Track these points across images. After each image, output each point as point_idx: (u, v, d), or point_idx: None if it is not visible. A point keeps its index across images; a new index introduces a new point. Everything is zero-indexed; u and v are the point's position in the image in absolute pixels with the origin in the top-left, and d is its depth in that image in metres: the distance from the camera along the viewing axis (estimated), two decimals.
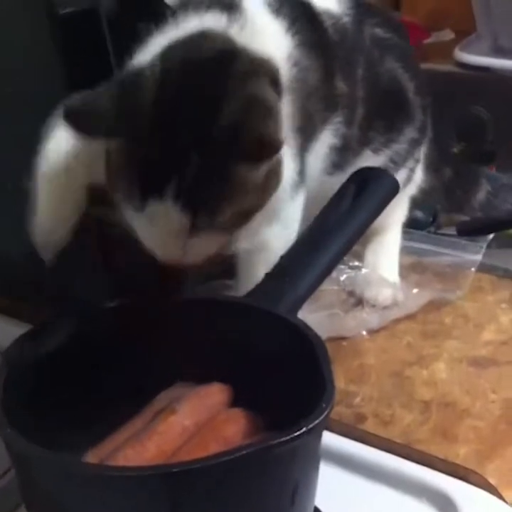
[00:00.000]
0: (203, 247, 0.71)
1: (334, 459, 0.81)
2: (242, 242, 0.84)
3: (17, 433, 0.60)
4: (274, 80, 0.76)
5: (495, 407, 0.86)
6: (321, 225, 0.80)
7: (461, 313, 1.02)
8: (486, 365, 0.93)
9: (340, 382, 0.90)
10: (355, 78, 0.93)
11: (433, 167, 1.12)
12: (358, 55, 0.94)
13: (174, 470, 0.57)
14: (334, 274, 1.00)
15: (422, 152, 1.07)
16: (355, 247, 0.97)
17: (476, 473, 0.78)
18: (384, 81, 0.97)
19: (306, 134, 0.85)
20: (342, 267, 1.02)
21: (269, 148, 0.68)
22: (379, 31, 0.98)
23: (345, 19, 0.93)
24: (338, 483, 0.79)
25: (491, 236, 1.19)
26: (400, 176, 1.00)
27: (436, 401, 0.88)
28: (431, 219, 1.30)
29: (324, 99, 0.87)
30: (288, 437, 0.57)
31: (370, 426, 0.85)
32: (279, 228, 0.86)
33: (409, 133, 1.01)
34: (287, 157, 0.80)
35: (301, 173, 0.86)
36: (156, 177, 0.68)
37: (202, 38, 0.74)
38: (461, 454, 0.80)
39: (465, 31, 1.76)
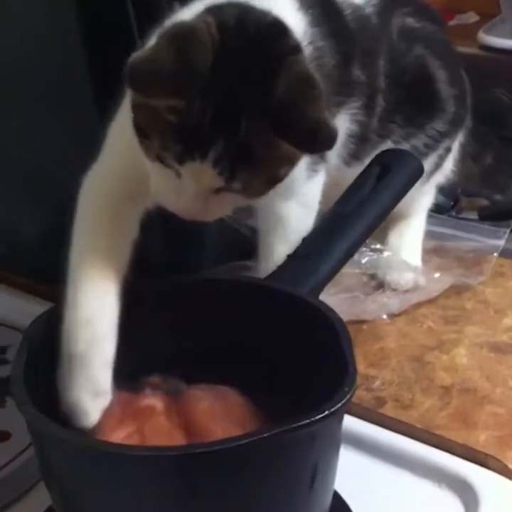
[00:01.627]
0: (222, 208, 0.71)
1: (353, 443, 0.81)
2: (261, 216, 0.85)
3: (40, 413, 0.60)
4: None
5: None
6: (343, 207, 0.80)
7: (482, 299, 1.01)
8: (506, 351, 0.92)
9: (360, 366, 0.89)
10: (376, 69, 0.92)
11: (472, 155, 1.10)
12: (379, 46, 0.92)
13: (194, 451, 0.58)
14: (355, 256, 0.99)
15: (456, 142, 1.06)
16: (377, 230, 0.96)
17: (495, 458, 0.78)
18: (410, 73, 0.95)
19: None
20: (363, 249, 1.01)
21: (328, 139, 0.67)
22: (410, 21, 0.97)
23: (369, 10, 0.92)
24: (356, 466, 0.79)
25: None
26: (427, 163, 0.99)
27: (456, 386, 0.87)
28: (452, 203, 1.29)
29: (338, 85, 0.86)
30: (309, 420, 0.57)
31: (389, 410, 0.85)
32: (296, 205, 0.85)
33: (437, 125, 0.99)
34: None
35: None
36: (203, 137, 0.66)
37: (244, 6, 0.71)
38: (480, 439, 0.80)
39: (489, 14, 1.75)
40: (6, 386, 0.63)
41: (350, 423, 0.82)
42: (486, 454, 0.78)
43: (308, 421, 0.57)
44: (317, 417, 0.57)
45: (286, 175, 0.71)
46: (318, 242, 0.77)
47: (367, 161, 0.89)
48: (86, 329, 0.69)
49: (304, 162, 0.80)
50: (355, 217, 0.79)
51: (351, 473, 0.75)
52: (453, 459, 0.79)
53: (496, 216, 1.23)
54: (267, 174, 0.69)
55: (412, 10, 0.98)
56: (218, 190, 0.68)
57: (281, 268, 0.76)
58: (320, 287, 0.74)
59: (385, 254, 1.01)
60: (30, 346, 0.66)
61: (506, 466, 0.77)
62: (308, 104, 0.67)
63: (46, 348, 0.67)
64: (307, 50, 0.77)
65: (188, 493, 0.58)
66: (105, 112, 0.76)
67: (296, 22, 0.77)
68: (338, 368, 0.62)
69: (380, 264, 1.01)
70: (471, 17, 1.84)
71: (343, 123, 0.89)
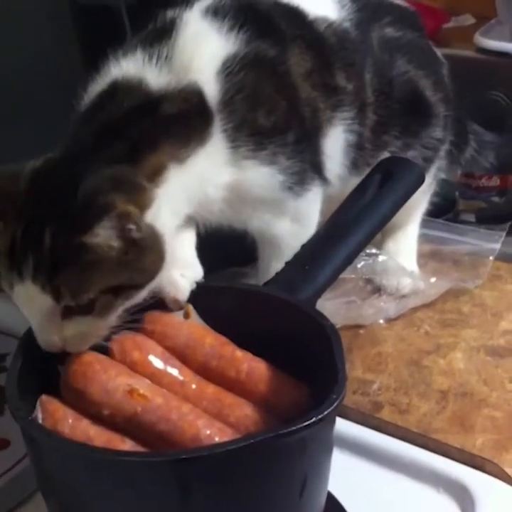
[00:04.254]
0: (80, 334, 0.67)
1: (350, 447, 0.81)
2: (255, 227, 0.85)
3: (35, 421, 0.60)
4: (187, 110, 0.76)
5: None
6: (344, 214, 0.80)
7: (479, 302, 1.02)
8: (503, 354, 0.93)
9: (357, 370, 0.91)
10: (362, 81, 0.92)
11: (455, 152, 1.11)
12: (362, 58, 0.93)
13: (182, 457, 0.58)
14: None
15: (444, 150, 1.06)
16: None
17: (492, 462, 0.78)
18: (397, 86, 0.96)
19: (305, 128, 0.85)
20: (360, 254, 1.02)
21: (99, 207, 0.64)
22: (390, 31, 0.97)
23: (346, 24, 0.92)
24: (354, 471, 0.79)
25: (510, 223, 1.19)
26: (428, 176, 1.00)
27: (453, 390, 0.88)
28: (449, 206, 1.30)
29: (320, 87, 0.87)
30: (297, 427, 0.58)
31: (386, 414, 0.85)
32: (290, 223, 0.86)
33: (433, 133, 1.00)
34: (257, 170, 0.80)
35: (314, 167, 0.86)
36: (16, 257, 0.66)
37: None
38: (477, 443, 0.80)
39: (485, 16, 1.75)
40: (5, 394, 0.64)
41: (348, 428, 0.83)
42: (483, 458, 0.79)
43: (295, 428, 0.58)
44: (304, 424, 0.58)
45: (126, 280, 0.67)
46: (316, 249, 0.78)
47: (366, 170, 0.89)
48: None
49: (276, 182, 0.81)
50: (355, 225, 0.79)
51: (348, 477, 0.75)
52: (450, 462, 0.79)
53: (494, 218, 1.24)
54: (97, 280, 0.65)
55: (392, 19, 0.98)
56: (65, 315, 0.66)
57: (279, 275, 0.76)
58: (318, 294, 0.75)
59: (381, 258, 1.02)
60: (25, 353, 0.66)
61: (503, 469, 0.77)
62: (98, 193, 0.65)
63: (42, 355, 0.67)
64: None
65: (179, 497, 0.59)
66: None
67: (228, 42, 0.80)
68: (330, 375, 0.63)
69: (376, 268, 1.01)
70: (468, 19, 1.84)
71: (341, 133, 0.90)
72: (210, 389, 0.67)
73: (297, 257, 0.77)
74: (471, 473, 0.78)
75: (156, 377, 0.66)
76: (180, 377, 0.67)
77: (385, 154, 0.96)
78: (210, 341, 0.69)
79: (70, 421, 0.63)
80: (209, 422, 0.63)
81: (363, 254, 1.01)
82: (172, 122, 0.75)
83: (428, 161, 1.01)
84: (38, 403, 0.64)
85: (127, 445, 0.62)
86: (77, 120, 0.76)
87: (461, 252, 1.08)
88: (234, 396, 0.67)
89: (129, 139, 0.71)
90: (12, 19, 0.91)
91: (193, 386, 0.67)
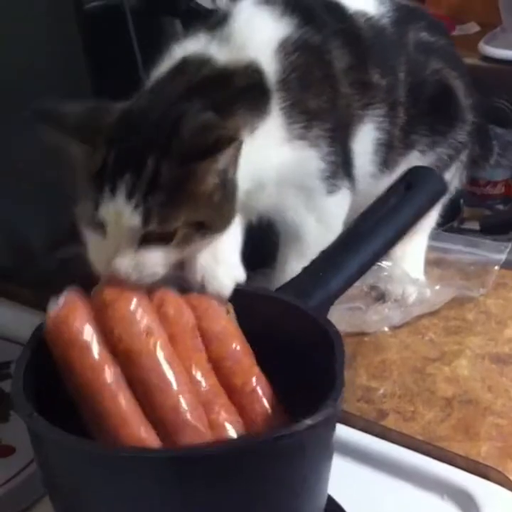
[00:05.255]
0: (152, 264, 0.69)
1: (355, 455, 0.81)
2: (288, 218, 0.87)
3: (39, 415, 0.60)
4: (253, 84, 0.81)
5: None
6: (362, 222, 0.80)
7: (484, 310, 1.02)
8: (508, 362, 0.93)
9: (361, 378, 0.91)
10: (396, 79, 0.94)
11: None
12: (397, 56, 0.95)
13: (177, 454, 0.60)
14: None
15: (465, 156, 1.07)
16: None
17: (497, 470, 0.78)
18: (430, 84, 0.98)
19: (339, 120, 0.87)
20: None
21: (211, 136, 0.69)
22: (425, 35, 0.99)
23: (384, 20, 0.95)
24: (358, 478, 0.79)
25: None
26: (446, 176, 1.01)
27: (457, 398, 0.87)
28: (454, 213, 1.30)
29: (357, 85, 0.89)
30: (290, 432, 0.58)
31: (391, 422, 0.85)
32: (316, 222, 0.88)
33: (458, 136, 1.01)
34: (304, 149, 0.83)
35: (343, 160, 0.88)
36: (109, 177, 0.69)
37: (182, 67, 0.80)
38: (482, 451, 0.80)
39: (489, 24, 1.75)
40: (9, 400, 0.64)
41: (352, 435, 0.83)
42: (488, 466, 0.79)
43: (288, 432, 0.58)
44: (298, 429, 0.58)
45: (207, 217, 0.71)
46: (332, 257, 0.78)
47: (396, 170, 0.93)
48: None
49: (316, 169, 0.85)
50: (372, 234, 0.79)
51: (352, 484, 0.76)
52: (454, 470, 0.79)
53: (498, 226, 1.24)
54: (185, 212, 0.69)
55: (426, 24, 1.00)
56: (143, 242, 0.69)
57: (294, 280, 0.77)
58: (329, 301, 0.75)
59: (385, 265, 1.02)
60: (30, 356, 0.66)
61: (507, 477, 0.77)
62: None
63: (48, 357, 0.67)
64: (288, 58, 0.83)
65: (178, 496, 0.60)
66: None
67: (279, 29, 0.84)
68: (330, 380, 0.63)
69: (381, 275, 1.01)
70: (472, 27, 1.85)
71: (371, 130, 0.92)
72: (213, 381, 0.67)
73: (313, 263, 0.77)
74: (476, 481, 0.78)
75: (174, 340, 0.67)
76: (193, 354, 0.67)
77: (415, 153, 0.98)
78: (237, 343, 0.69)
79: (82, 319, 0.64)
80: (193, 403, 0.64)
81: None
82: (243, 93, 0.79)
83: (449, 161, 1.02)
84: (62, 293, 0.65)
85: (111, 371, 0.63)
86: (145, 92, 0.79)
87: (466, 261, 1.08)
88: (228, 400, 0.67)
89: (210, 99, 0.75)
90: (15, 20, 0.91)
91: (200, 371, 0.67)
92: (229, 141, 0.69)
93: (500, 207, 1.34)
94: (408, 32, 0.97)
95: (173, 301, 0.69)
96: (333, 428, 0.65)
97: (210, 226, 0.72)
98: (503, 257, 1.06)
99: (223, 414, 0.65)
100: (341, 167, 0.88)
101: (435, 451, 0.81)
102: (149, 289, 0.68)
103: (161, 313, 0.67)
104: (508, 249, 1.07)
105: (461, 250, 1.10)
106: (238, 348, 0.69)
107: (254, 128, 0.79)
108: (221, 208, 0.72)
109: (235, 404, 0.67)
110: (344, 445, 0.81)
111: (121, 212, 0.68)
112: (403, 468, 0.80)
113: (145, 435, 0.62)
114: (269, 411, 0.67)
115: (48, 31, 0.91)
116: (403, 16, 0.97)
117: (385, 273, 1.02)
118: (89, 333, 0.64)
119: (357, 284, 1.01)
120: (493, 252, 1.07)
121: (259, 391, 0.67)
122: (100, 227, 0.70)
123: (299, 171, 0.85)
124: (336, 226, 0.89)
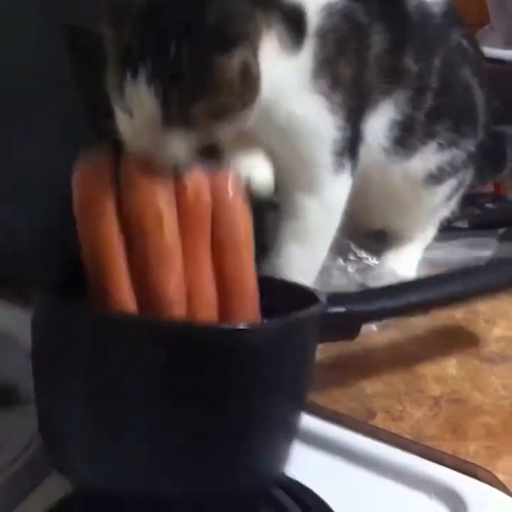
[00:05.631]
0: (174, 148, 0.70)
1: (343, 454, 0.81)
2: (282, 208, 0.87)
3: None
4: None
5: (505, 403, 0.86)
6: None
7: (473, 309, 1.01)
8: (497, 361, 0.93)
9: (350, 377, 0.90)
10: (431, 66, 0.94)
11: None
12: (438, 45, 0.95)
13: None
14: (343, 265, 1.00)
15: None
16: (362, 238, 0.97)
17: (485, 470, 0.78)
18: (459, 87, 0.99)
19: (358, 98, 0.87)
20: (352, 258, 1.02)
21: (233, 25, 0.70)
22: (465, 42, 1.00)
23: (435, 9, 0.95)
24: (346, 477, 0.79)
25: (502, 230, 1.19)
26: (451, 184, 1.02)
27: (446, 397, 0.87)
28: None
29: (387, 70, 0.89)
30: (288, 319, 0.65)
31: (379, 421, 0.84)
32: (318, 205, 0.87)
33: (469, 144, 1.02)
34: (324, 110, 0.83)
35: (352, 141, 0.87)
36: (132, 60, 0.69)
37: None
38: (470, 450, 0.80)
39: (479, 23, 1.75)
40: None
41: (340, 434, 0.83)
42: (476, 465, 0.78)
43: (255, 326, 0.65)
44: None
45: (230, 103, 0.72)
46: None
47: (414, 155, 0.93)
48: None
49: (328, 137, 0.84)
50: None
51: (340, 483, 0.75)
52: (443, 469, 0.79)
53: (487, 224, 1.24)
54: (207, 97, 0.70)
55: (465, 33, 1.02)
56: (165, 126, 0.70)
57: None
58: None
59: (372, 262, 1.02)
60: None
61: (496, 476, 0.77)
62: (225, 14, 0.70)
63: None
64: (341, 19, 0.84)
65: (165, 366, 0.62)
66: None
67: None
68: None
69: (368, 273, 1.01)
70: None
71: (388, 112, 0.92)
72: (207, 271, 0.68)
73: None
74: (464, 480, 0.77)
75: (185, 228, 0.67)
76: (200, 239, 0.68)
77: (433, 145, 0.98)
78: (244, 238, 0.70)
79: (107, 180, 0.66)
80: (179, 291, 0.65)
81: (354, 258, 1.01)
82: (284, 14, 0.79)
83: (456, 170, 1.02)
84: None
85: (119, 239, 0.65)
86: None
87: (453, 260, 1.08)
88: (214, 292, 0.68)
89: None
90: (14, 20, 0.91)
91: (199, 259, 0.68)
92: (255, 34, 0.70)
93: (490, 205, 1.34)
94: (452, 30, 0.98)
95: (194, 188, 0.68)
96: (315, 337, 0.69)
97: (230, 113, 0.72)
98: (489, 253, 1.06)
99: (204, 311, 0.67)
100: (349, 149, 0.87)
101: (423, 450, 0.81)
102: (174, 174, 0.68)
103: (179, 200, 0.67)
104: (495, 247, 1.07)
105: (450, 248, 1.10)
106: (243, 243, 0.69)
107: (287, 51, 0.79)
108: (243, 95, 0.73)
109: (220, 292, 0.68)
110: (332, 444, 0.80)
111: (141, 97, 0.69)
112: (391, 467, 0.80)
113: (132, 306, 0.64)
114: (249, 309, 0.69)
115: (48, 31, 0.91)
116: (452, 14, 0.98)
117: (373, 272, 1.02)
118: (110, 195, 0.65)
119: (344, 282, 1.01)
120: (481, 249, 1.07)
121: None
122: (127, 108, 0.70)
123: (316, 128, 0.84)
124: (338, 213, 0.89)
